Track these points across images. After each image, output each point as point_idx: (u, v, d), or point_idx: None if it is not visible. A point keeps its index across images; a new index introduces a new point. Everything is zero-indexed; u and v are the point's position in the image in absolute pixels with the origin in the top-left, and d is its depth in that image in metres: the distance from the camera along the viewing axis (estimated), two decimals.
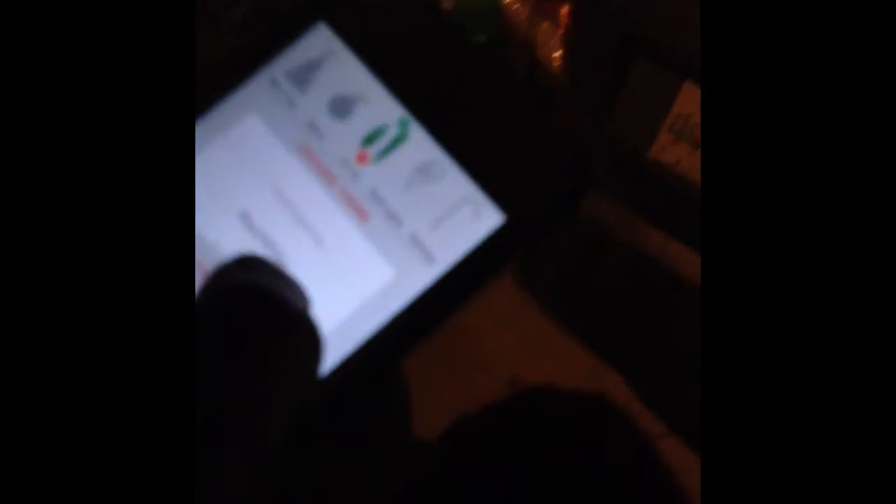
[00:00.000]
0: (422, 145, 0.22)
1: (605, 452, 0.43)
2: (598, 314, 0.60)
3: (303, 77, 0.22)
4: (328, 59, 0.23)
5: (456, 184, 0.22)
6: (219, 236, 0.22)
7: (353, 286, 0.22)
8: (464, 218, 0.22)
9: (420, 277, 0.22)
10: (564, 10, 0.61)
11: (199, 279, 0.21)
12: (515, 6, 0.64)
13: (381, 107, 0.22)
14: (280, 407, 0.18)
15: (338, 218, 0.22)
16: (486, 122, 0.22)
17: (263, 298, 0.19)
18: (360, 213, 0.22)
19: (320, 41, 0.23)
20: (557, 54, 0.61)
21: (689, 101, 0.58)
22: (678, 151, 0.59)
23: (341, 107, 0.22)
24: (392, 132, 0.22)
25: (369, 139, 0.22)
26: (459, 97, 0.22)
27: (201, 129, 0.22)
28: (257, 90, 0.22)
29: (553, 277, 0.62)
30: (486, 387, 0.48)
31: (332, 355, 0.21)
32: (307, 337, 0.19)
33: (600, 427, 0.45)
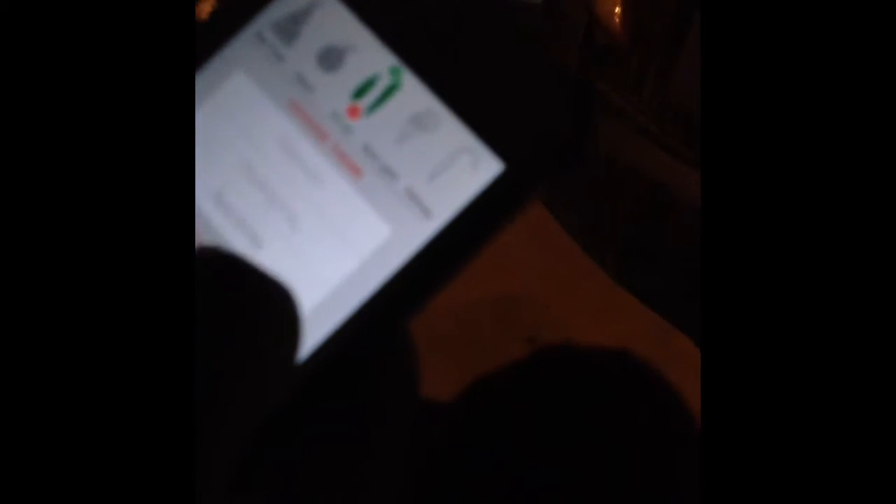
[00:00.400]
0: (415, 94, 0.21)
1: (630, 409, 0.42)
2: (667, 274, 0.58)
3: (290, 29, 0.22)
4: (315, 9, 0.22)
5: (451, 133, 0.21)
6: (209, 200, 0.21)
7: (348, 247, 0.21)
8: (461, 169, 0.21)
9: (417, 233, 0.21)
10: None
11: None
12: None
13: (371, 56, 0.21)
14: (260, 383, 0.18)
15: (330, 176, 0.21)
16: (479, 67, 0.21)
17: (233, 269, 0.18)
18: (353, 170, 0.21)
19: None
20: (618, 9, 0.59)
21: None
22: None
23: (331, 58, 0.21)
24: (384, 82, 0.21)
25: (360, 91, 0.21)
26: (451, 42, 0.21)
27: None
28: (243, 46, 0.22)
29: (620, 241, 0.60)
30: (503, 347, 0.46)
31: (329, 320, 0.20)
32: (282, 305, 0.18)
33: (624, 383, 0.43)
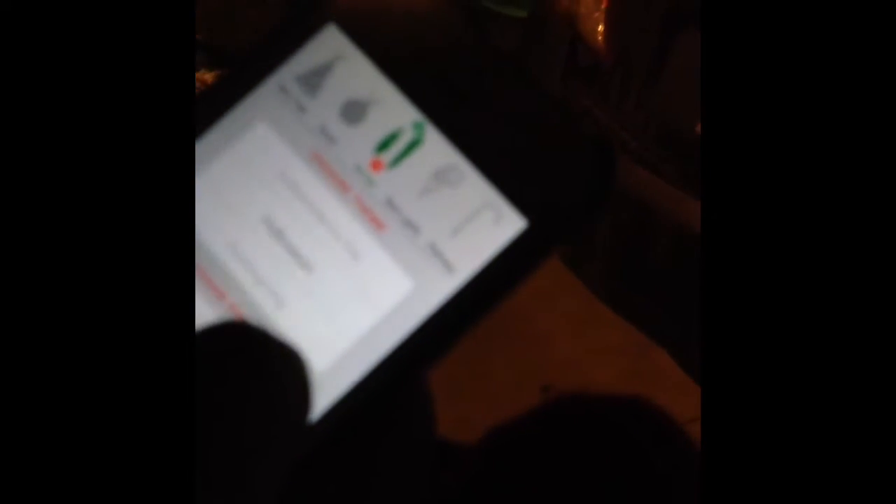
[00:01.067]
0: (438, 149, 0.21)
1: (644, 460, 0.42)
2: (648, 292, 0.59)
3: (313, 81, 0.22)
4: (339, 62, 0.22)
5: (474, 189, 0.21)
6: (228, 253, 0.21)
7: (371, 300, 0.21)
8: (484, 224, 0.21)
9: (440, 288, 0.21)
10: None
11: (208, 294, 0.21)
12: None
13: (395, 110, 0.21)
14: (270, 450, 0.18)
15: (352, 229, 0.21)
16: (503, 123, 0.21)
17: (241, 334, 0.18)
18: (376, 223, 0.21)
19: (330, 43, 0.22)
20: (601, 27, 0.59)
21: None
22: None
23: (354, 111, 0.21)
24: (407, 136, 0.21)
25: (383, 144, 0.21)
26: (475, 97, 0.21)
27: (209, 142, 0.21)
28: (266, 97, 0.22)
29: (602, 257, 0.61)
30: (519, 394, 0.47)
31: (349, 374, 0.21)
32: (290, 370, 0.18)
33: (638, 433, 0.44)
